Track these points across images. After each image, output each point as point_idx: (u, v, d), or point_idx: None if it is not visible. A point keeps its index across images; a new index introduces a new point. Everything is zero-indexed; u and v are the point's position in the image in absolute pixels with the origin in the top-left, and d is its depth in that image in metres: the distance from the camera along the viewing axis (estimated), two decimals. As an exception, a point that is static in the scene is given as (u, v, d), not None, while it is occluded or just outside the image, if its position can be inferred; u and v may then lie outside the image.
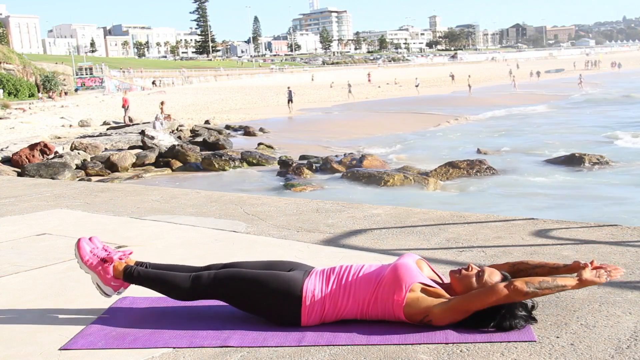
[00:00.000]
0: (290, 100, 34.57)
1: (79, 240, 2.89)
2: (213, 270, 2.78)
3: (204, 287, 2.72)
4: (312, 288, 2.61)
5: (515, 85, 48.33)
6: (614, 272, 2.45)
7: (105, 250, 2.90)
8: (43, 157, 16.43)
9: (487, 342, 2.36)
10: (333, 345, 2.41)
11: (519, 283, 2.40)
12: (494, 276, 2.52)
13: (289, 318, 2.61)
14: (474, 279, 2.53)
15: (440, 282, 2.68)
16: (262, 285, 2.63)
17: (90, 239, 2.94)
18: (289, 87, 36.41)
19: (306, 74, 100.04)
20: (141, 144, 18.59)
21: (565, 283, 2.42)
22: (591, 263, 2.51)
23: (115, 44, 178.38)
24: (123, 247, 4.18)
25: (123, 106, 28.71)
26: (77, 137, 21.85)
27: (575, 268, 2.51)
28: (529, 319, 2.49)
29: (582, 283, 2.43)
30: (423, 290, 2.52)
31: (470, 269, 2.58)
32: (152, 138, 18.62)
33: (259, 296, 2.63)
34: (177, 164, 16.46)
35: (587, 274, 2.44)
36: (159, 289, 2.81)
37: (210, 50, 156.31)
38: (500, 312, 2.44)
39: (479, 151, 17.83)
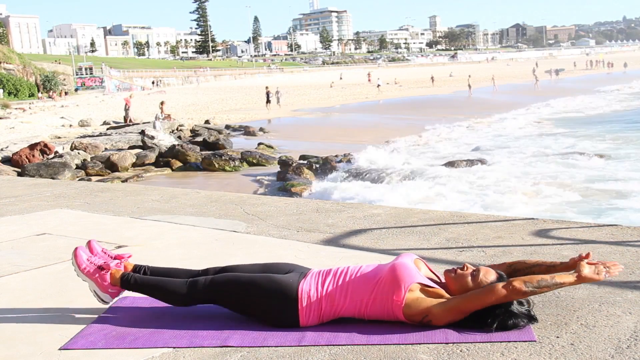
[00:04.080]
0: (268, 100, 35.57)
1: (76, 249, 2.90)
2: (209, 276, 2.78)
3: (200, 293, 2.73)
4: (308, 289, 2.61)
5: (495, 87, 47.93)
6: (612, 268, 2.42)
7: (104, 255, 2.91)
8: (43, 157, 16.43)
9: (487, 342, 2.36)
10: (333, 345, 2.41)
11: (517, 282, 2.39)
12: (489, 275, 2.52)
13: (287, 320, 2.61)
14: (469, 279, 2.53)
15: (438, 281, 2.66)
16: (258, 289, 2.63)
17: (89, 243, 2.94)
18: (267, 87, 37.19)
19: (306, 73, 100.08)
20: (141, 144, 18.59)
21: (564, 280, 2.40)
22: (587, 256, 2.47)
23: (116, 44, 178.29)
24: (123, 247, 4.18)
25: (126, 107, 28.74)
26: (77, 137, 21.86)
27: (572, 265, 2.49)
28: (530, 318, 2.48)
29: (581, 279, 2.40)
30: (422, 291, 2.52)
31: (465, 268, 2.57)
32: (152, 138, 18.62)
33: (256, 299, 2.63)
34: (177, 163, 16.46)
35: (586, 270, 2.41)
36: (156, 296, 2.82)
37: (210, 50, 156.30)
38: (500, 312, 2.44)
39: (479, 151, 17.83)
